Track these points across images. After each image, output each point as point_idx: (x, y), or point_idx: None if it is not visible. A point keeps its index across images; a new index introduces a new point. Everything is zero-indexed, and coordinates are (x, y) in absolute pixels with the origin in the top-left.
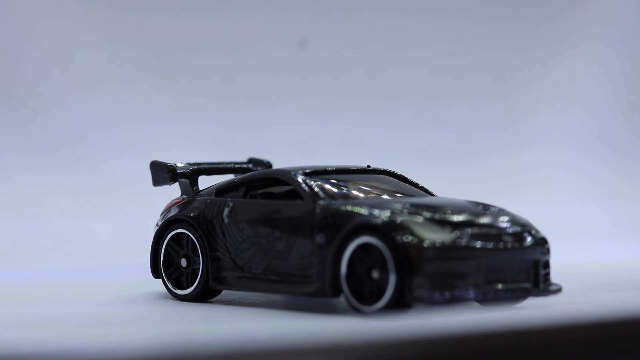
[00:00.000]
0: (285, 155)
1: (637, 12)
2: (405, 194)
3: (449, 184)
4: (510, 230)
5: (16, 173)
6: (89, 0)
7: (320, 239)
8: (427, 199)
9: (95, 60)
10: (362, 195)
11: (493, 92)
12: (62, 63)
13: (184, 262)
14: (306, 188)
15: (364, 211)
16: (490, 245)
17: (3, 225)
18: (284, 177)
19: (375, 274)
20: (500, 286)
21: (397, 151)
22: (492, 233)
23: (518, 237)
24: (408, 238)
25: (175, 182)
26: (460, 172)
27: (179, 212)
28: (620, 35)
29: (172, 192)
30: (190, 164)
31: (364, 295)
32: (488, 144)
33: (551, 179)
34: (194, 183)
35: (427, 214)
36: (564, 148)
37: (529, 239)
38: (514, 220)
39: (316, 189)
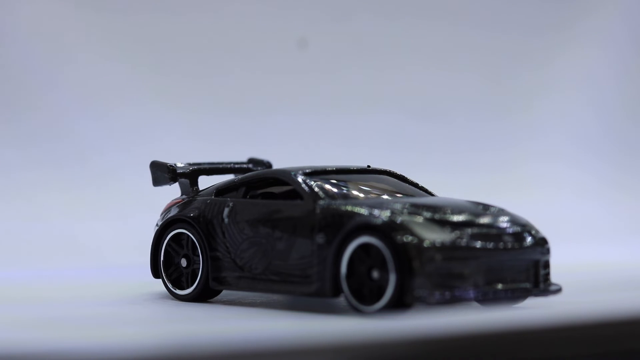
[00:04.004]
0: (286, 156)
1: None
2: (405, 194)
3: (448, 179)
4: (510, 230)
5: (16, 173)
6: (88, 1)
7: (320, 239)
8: (427, 199)
9: (95, 60)
10: (362, 195)
11: (493, 85)
12: (62, 62)
13: (184, 262)
14: (306, 188)
15: (364, 211)
16: (490, 245)
17: (2, 224)
18: (284, 177)
19: (375, 274)
20: (500, 286)
21: (396, 147)
22: (492, 233)
23: (518, 237)
24: (408, 238)
25: (175, 182)
26: (458, 167)
27: (179, 212)
28: (624, 26)
29: (172, 192)
30: (190, 164)
31: (364, 295)
32: (487, 138)
33: (551, 174)
34: (194, 183)
35: (427, 214)
36: (564, 143)
37: (529, 239)
38: (514, 220)
39: (316, 189)
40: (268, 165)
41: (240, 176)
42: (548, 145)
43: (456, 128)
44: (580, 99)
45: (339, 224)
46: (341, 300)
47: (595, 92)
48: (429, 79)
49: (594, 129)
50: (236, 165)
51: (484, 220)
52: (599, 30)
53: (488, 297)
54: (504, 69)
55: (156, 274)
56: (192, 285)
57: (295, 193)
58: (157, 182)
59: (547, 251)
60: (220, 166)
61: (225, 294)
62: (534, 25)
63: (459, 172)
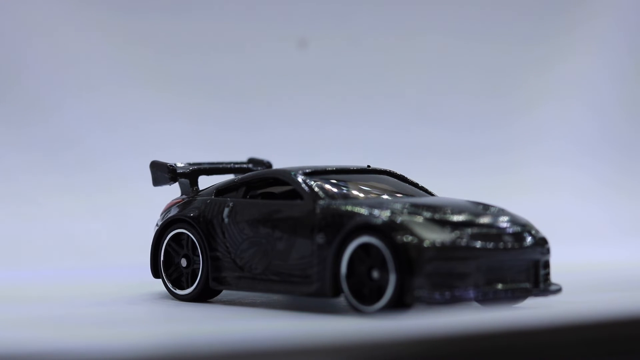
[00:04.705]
0: (285, 156)
1: (639, 10)
2: (405, 194)
3: (449, 182)
4: (510, 230)
5: (16, 173)
6: (89, 3)
7: (320, 239)
8: (427, 199)
9: (95, 62)
10: (362, 195)
11: (493, 89)
12: (63, 65)
13: (184, 262)
14: (306, 188)
15: (364, 211)
16: (490, 245)
17: (3, 225)
18: (284, 177)
19: (375, 274)
20: (500, 286)
21: (397, 150)
22: (492, 233)
23: (518, 237)
24: (408, 238)
25: (175, 182)
26: (459, 170)
27: (179, 212)
28: (622, 32)
29: (172, 192)
30: (190, 164)
31: (364, 295)
32: (488, 141)
33: (552, 177)
34: (194, 183)
35: (427, 214)
36: (564, 146)
37: (529, 239)
38: (514, 220)
39: (316, 189)
40: (268, 165)
41: (240, 176)
42: (548, 148)
43: (458, 132)
44: (579, 104)
45: (339, 224)
46: (341, 300)
47: (594, 96)
48: (432, 85)
49: (593, 132)
50: (236, 165)
51: (484, 220)
52: (596, 37)
53: (488, 297)
54: (506, 75)
55: (156, 274)
56: (192, 285)
57: (295, 193)
58: (157, 182)
59: (547, 251)
60: (220, 166)
61: (225, 294)
62: (534, 34)
63: (461, 175)
